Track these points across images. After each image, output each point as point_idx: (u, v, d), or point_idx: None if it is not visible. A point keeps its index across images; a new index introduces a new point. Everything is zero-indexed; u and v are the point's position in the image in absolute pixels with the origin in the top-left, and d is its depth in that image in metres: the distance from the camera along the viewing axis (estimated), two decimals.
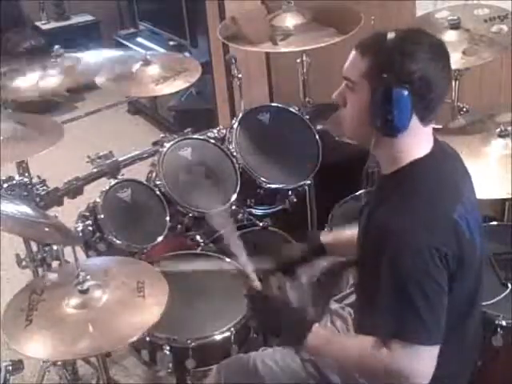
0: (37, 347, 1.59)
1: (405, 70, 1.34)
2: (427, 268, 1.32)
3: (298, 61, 2.62)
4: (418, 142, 1.42)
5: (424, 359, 1.35)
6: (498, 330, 1.79)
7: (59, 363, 2.31)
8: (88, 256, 2.17)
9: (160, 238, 2.19)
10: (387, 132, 1.39)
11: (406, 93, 1.33)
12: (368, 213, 1.50)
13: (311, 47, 2.42)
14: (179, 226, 2.32)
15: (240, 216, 2.47)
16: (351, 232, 1.67)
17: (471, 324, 1.52)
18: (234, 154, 2.41)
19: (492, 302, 1.80)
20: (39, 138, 2.07)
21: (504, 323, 1.80)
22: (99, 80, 2.39)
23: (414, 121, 1.39)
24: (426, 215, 1.35)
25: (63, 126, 2.16)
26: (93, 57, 2.49)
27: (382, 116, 1.36)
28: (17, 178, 2.14)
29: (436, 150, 1.45)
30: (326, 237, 1.82)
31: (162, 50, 4.51)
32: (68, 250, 2.03)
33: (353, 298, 1.79)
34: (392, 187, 1.44)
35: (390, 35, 1.38)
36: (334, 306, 1.83)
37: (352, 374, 1.53)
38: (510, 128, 2.01)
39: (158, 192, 2.26)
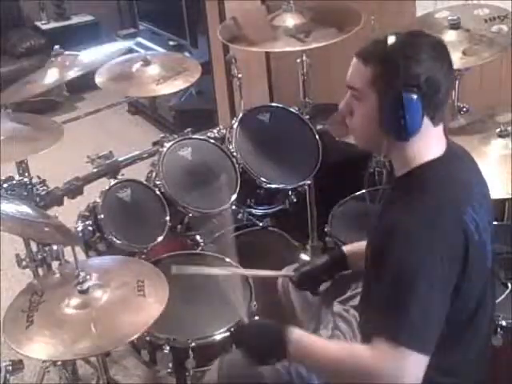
0: (38, 348, 1.58)
1: (410, 73, 1.35)
2: (430, 273, 1.31)
3: (298, 61, 2.62)
4: (429, 143, 1.42)
5: (409, 364, 1.29)
6: (498, 330, 1.79)
7: (59, 363, 2.31)
8: (88, 256, 2.18)
9: (160, 238, 2.19)
10: (400, 137, 1.39)
11: (415, 96, 1.34)
12: (379, 214, 1.50)
13: (311, 47, 2.42)
14: (179, 226, 2.32)
15: (240, 216, 2.47)
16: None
17: (481, 323, 1.51)
18: (234, 154, 2.41)
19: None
20: (39, 137, 2.07)
21: (504, 323, 1.80)
22: (99, 80, 2.39)
23: (426, 122, 1.39)
24: (434, 218, 1.34)
25: (63, 126, 2.16)
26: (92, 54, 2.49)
27: (393, 122, 1.37)
28: (17, 177, 2.14)
29: (449, 152, 1.45)
30: (347, 248, 1.79)
31: (162, 50, 4.51)
32: (68, 249, 2.03)
33: (357, 299, 1.77)
34: (403, 189, 1.44)
35: (391, 40, 1.38)
36: (337, 308, 1.81)
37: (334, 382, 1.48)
38: (509, 128, 2.01)
39: (157, 192, 2.26)
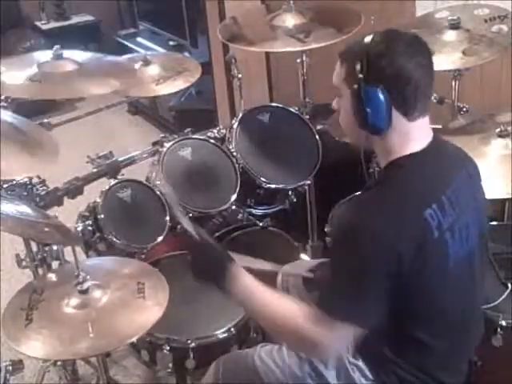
0: (36, 346, 1.59)
1: (375, 67, 1.38)
2: (370, 261, 1.35)
3: (298, 61, 2.62)
4: (406, 138, 1.44)
5: (333, 334, 1.38)
6: (498, 330, 1.80)
7: (59, 363, 2.31)
8: (88, 256, 2.17)
9: (160, 238, 2.19)
10: (373, 131, 1.43)
11: (378, 89, 1.37)
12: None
13: (311, 47, 2.42)
14: (179, 226, 2.32)
15: (240, 216, 2.47)
16: None
17: (452, 325, 1.50)
18: (234, 153, 2.41)
19: (494, 304, 1.80)
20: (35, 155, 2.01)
21: (504, 323, 1.80)
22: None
23: (398, 117, 1.41)
24: (391, 211, 1.37)
25: (58, 145, 2.07)
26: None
27: (362, 116, 1.41)
28: (17, 177, 2.14)
29: (431, 149, 1.46)
30: None
31: (162, 50, 4.51)
32: (68, 249, 2.03)
33: None
34: (376, 181, 1.53)
35: (365, 39, 1.43)
36: None
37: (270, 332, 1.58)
38: (509, 128, 2.01)
39: (157, 192, 2.26)
